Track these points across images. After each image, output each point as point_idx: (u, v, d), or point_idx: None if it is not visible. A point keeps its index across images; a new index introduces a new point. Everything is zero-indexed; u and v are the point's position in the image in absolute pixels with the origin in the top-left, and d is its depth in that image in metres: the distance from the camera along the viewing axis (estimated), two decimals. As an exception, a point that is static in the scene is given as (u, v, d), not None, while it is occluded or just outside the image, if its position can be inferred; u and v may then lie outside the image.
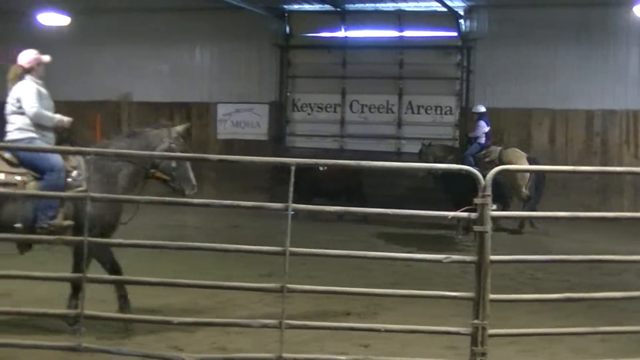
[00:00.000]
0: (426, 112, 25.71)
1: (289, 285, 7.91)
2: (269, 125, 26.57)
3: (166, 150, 10.34)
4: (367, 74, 25.49)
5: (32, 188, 9.64)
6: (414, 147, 24.43)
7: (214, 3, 24.20)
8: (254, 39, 26.38)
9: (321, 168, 19.70)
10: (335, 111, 26.06)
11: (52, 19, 25.50)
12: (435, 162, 20.77)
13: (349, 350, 8.86)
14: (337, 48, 26.06)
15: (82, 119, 24.80)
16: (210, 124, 26.68)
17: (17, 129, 10.02)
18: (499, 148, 22.21)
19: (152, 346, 8.87)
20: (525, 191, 20.77)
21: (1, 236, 9.35)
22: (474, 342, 7.86)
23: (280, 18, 26.32)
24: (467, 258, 8.20)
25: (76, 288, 9.91)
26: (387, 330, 8.46)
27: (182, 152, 10.55)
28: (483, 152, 22.03)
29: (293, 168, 7.78)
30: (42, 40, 26.47)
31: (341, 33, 26.12)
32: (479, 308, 7.82)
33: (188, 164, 10.48)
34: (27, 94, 10.07)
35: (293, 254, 7.86)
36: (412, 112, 25.70)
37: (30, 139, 9.99)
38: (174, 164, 10.25)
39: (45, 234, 9.49)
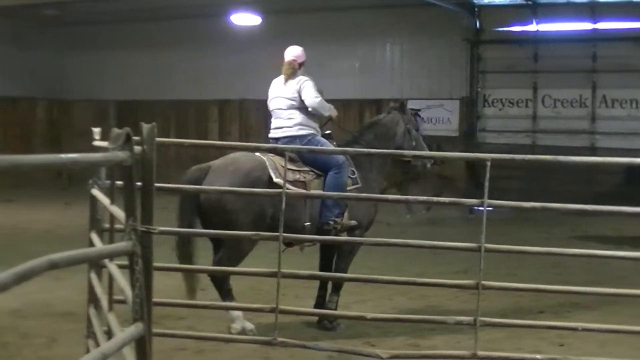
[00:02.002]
0: (621, 106, 24.92)
1: (484, 282, 7.80)
2: (459, 121, 26.38)
3: (404, 132, 10.48)
4: (559, 67, 24.94)
5: (316, 186, 9.72)
6: (609, 142, 23.81)
7: (404, 0, 24.19)
8: (444, 34, 26.21)
9: None
10: (527, 106, 25.60)
11: (245, 19, 26.03)
12: None
13: (544, 349, 8.69)
14: (529, 42, 25.59)
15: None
16: (401, 121, 26.72)
17: (297, 124, 10.05)
18: None
19: (345, 342, 8.92)
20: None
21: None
22: (678, 343, 7.57)
23: (470, 13, 26.04)
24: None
25: (324, 283, 10.10)
26: (584, 329, 8.25)
27: (416, 130, 10.69)
28: None
29: (488, 163, 7.68)
30: (235, 40, 27.22)
31: (532, 27, 25.64)
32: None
33: (421, 139, 10.65)
34: (308, 87, 10.07)
35: (488, 250, 7.75)
36: (607, 106, 24.97)
37: (312, 136, 10.05)
38: (413, 143, 10.41)
39: (326, 233, 9.62)
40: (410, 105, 25.66)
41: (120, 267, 5.65)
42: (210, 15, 27.20)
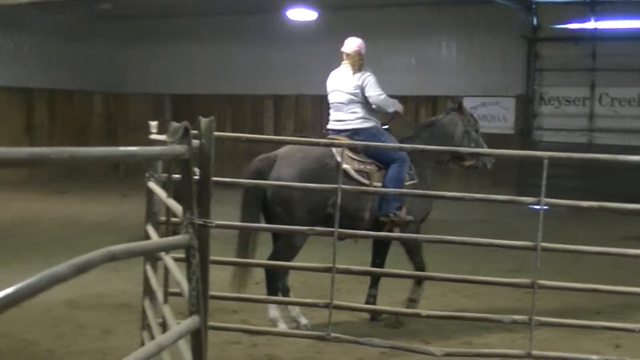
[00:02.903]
0: (679, 106, 24.66)
1: (540, 281, 7.74)
2: (515, 119, 26.19)
3: (462, 134, 10.43)
4: (617, 66, 24.65)
5: (378, 178, 9.69)
6: (668, 142, 23.56)
7: (461, -4, 24.15)
8: (500, 31, 26.05)
9: None
10: (583, 104, 25.37)
11: (301, 14, 26.07)
12: None
13: (600, 350, 8.60)
14: (586, 40, 25.34)
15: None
16: (457, 117, 26.55)
17: (360, 117, 10.00)
18: None
19: (398, 339, 8.89)
20: None
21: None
22: None
23: (527, 10, 25.84)
24: None
25: (375, 280, 10.10)
26: (643, 331, 8.15)
27: (475, 131, 10.65)
28: None
29: (546, 162, 7.62)
30: (291, 35, 27.26)
31: (590, 24, 25.41)
32: None
33: (482, 140, 10.59)
34: (372, 81, 10.03)
35: (545, 249, 7.69)
36: (666, 106, 24.71)
37: (376, 129, 10.02)
38: (472, 145, 10.36)
39: (380, 226, 9.63)
40: (465, 102, 25.78)
41: (176, 259, 5.67)
42: (267, 11, 27.27)
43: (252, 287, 9.69)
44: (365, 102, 9.96)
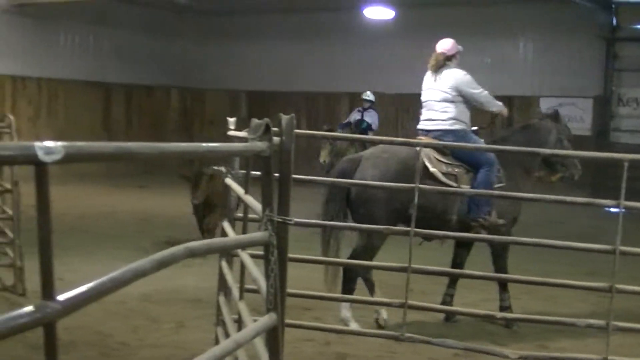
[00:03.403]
0: None
1: (618, 286, 7.62)
2: (592, 120, 25.88)
3: (555, 141, 10.32)
4: (697, 67, 24.34)
5: (466, 181, 9.62)
6: None
7: (538, -5, 23.94)
8: (577, 31, 25.75)
9: None
10: (665, 106, 25.06)
11: (378, 12, 26.04)
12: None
13: (677, 358, 8.45)
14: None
15: (408, 111, 25.25)
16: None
17: (451, 118, 9.89)
18: None
19: (473, 340, 8.82)
20: None
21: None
22: None
23: (606, 9, 25.52)
24: None
25: (453, 280, 10.08)
26: None
27: (568, 140, 10.53)
28: None
29: (626, 164, 7.51)
30: (368, 33, 27.23)
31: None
32: None
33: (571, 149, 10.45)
34: (468, 81, 10.01)
35: (623, 253, 7.57)
36: None
37: (464, 132, 9.92)
38: None
39: (468, 229, 9.60)
40: (542, 103, 25.53)
41: (252, 256, 5.68)
42: (344, 9, 27.31)
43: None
44: (458, 102, 9.87)
